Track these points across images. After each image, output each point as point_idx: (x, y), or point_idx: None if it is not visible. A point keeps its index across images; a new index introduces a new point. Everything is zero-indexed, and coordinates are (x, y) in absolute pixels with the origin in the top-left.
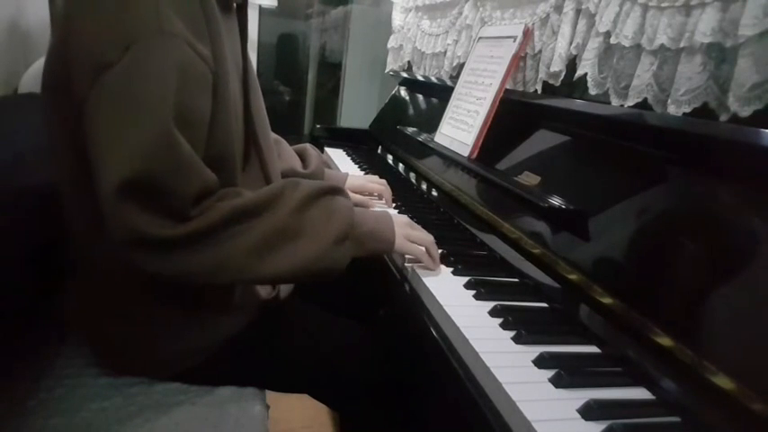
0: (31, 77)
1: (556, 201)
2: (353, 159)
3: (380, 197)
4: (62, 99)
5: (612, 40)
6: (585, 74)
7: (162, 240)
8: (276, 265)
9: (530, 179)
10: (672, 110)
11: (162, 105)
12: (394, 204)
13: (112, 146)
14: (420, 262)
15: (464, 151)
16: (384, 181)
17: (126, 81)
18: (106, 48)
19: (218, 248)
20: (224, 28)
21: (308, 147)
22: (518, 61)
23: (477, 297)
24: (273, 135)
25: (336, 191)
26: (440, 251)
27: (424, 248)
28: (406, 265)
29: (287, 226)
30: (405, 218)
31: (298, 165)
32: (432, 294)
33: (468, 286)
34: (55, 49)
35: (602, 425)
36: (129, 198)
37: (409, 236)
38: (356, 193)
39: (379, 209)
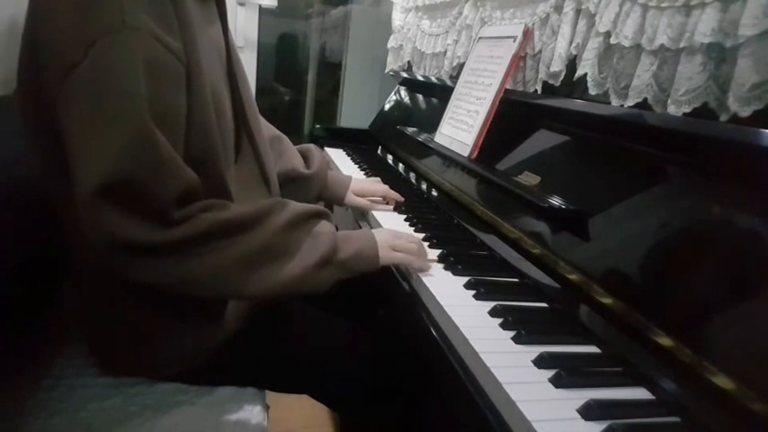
0: None
1: (556, 201)
2: (353, 159)
3: (384, 200)
4: (35, 102)
5: (612, 40)
6: (585, 74)
7: (143, 246)
8: (257, 283)
9: (530, 179)
10: (672, 110)
11: (136, 102)
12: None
13: (88, 147)
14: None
15: (464, 151)
16: (386, 186)
17: (93, 79)
18: (71, 47)
19: (201, 261)
20: (199, 17)
21: (312, 147)
22: (518, 61)
23: (477, 297)
24: (276, 132)
25: (322, 215)
26: (440, 251)
27: (411, 253)
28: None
29: (272, 245)
30: (387, 231)
31: (300, 164)
32: (432, 294)
33: (468, 286)
34: (24, 52)
35: (602, 425)
36: (109, 201)
37: (394, 246)
38: (359, 196)
39: (381, 212)
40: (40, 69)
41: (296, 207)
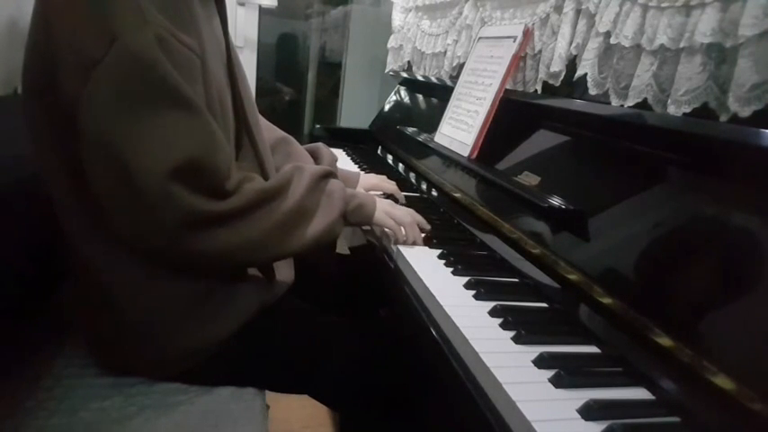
0: None
1: (556, 201)
2: (353, 159)
3: (392, 197)
4: (49, 100)
5: (612, 41)
6: (585, 74)
7: (210, 217)
8: (293, 242)
9: (530, 179)
10: (672, 110)
11: (180, 87)
12: None
13: (147, 136)
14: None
15: (464, 151)
16: (394, 182)
17: (121, 72)
18: (91, 44)
19: (252, 226)
20: (203, 17)
21: (321, 145)
22: (518, 61)
23: (477, 297)
24: (282, 133)
25: (330, 174)
26: (440, 251)
27: (400, 226)
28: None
29: (300, 207)
30: (386, 200)
31: (310, 163)
32: (432, 294)
33: (468, 286)
34: (35, 51)
35: (602, 425)
36: (180, 182)
37: (390, 213)
38: (369, 191)
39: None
40: (54, 69)
41: (311, 170)
